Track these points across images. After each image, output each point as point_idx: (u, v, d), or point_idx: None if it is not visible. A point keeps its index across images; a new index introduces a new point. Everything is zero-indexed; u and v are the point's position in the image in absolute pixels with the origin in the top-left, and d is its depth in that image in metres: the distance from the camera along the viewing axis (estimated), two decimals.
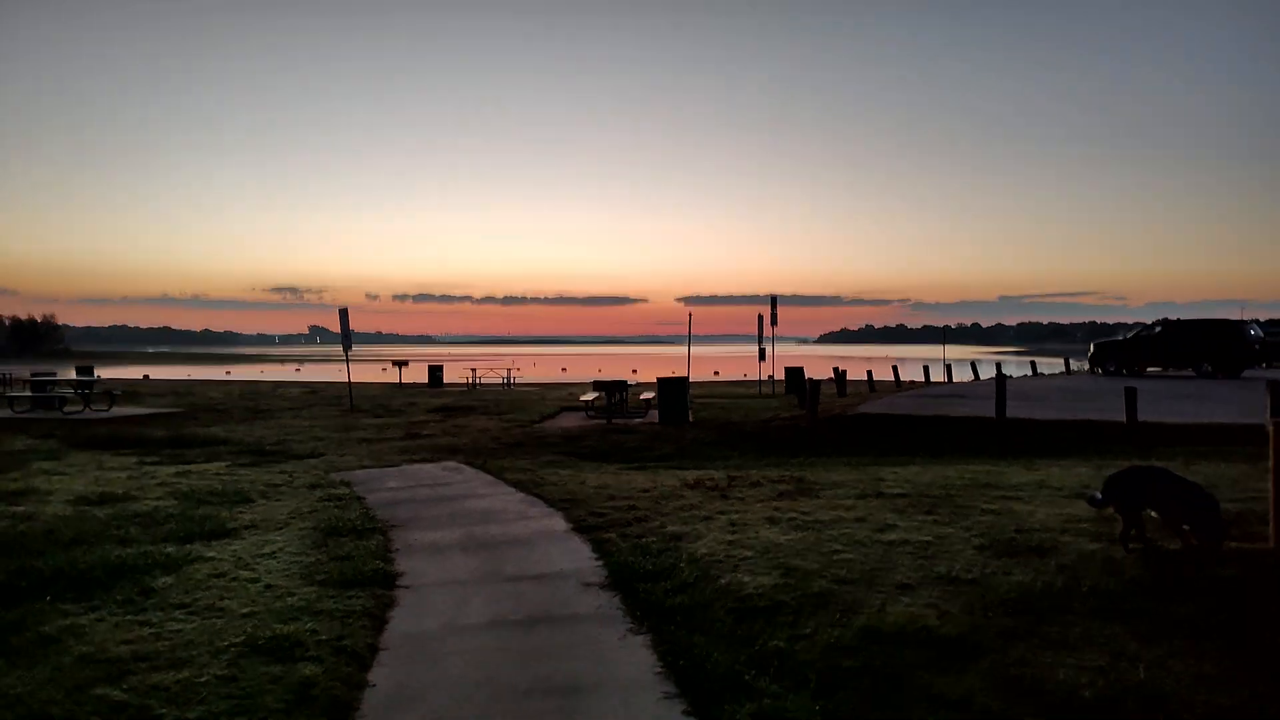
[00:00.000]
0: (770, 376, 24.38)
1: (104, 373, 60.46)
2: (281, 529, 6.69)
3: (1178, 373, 24.37)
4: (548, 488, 8.38)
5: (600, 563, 5.57)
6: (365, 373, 55.88)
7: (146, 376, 53.54)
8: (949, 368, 24.99)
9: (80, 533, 6.30)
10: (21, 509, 7.27)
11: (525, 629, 4.40)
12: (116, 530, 6.45)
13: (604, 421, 14.38)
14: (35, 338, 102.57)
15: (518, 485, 8.62)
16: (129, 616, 4.56)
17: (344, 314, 18.81)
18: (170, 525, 6.66)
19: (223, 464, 10.44)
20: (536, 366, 71.50)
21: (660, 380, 14.45)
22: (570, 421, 15.61)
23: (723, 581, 4.87)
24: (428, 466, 10.19)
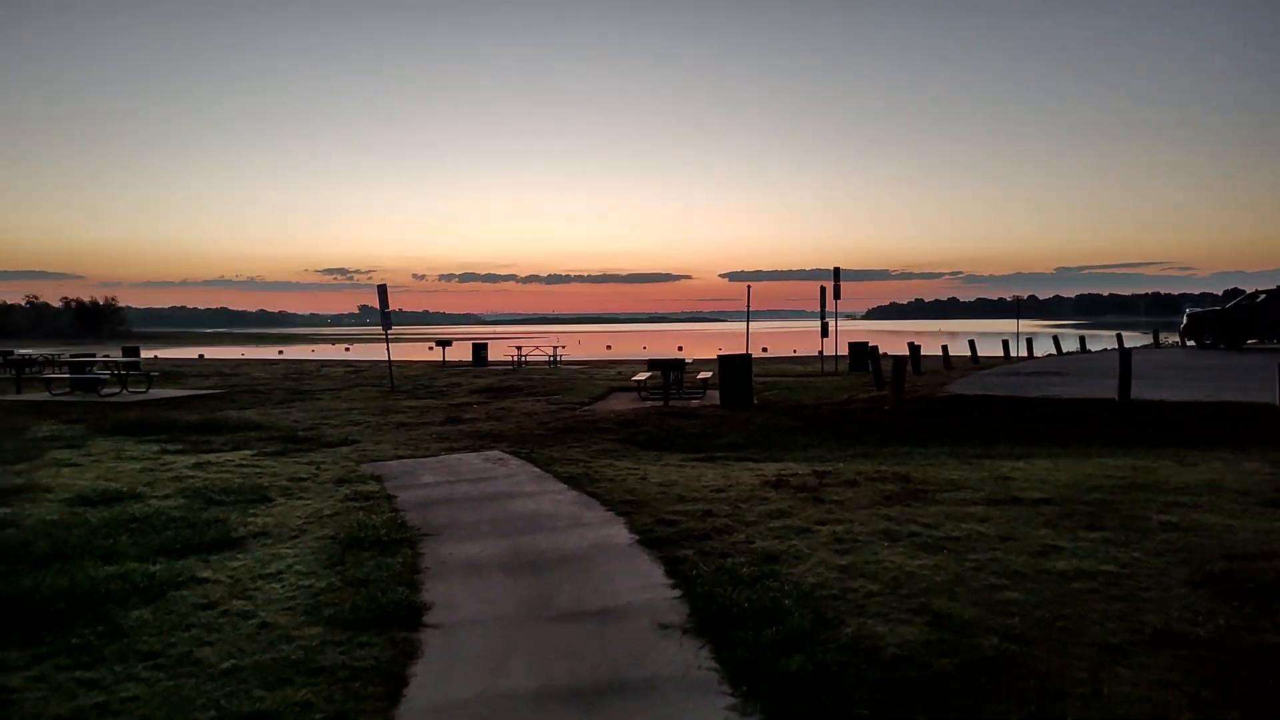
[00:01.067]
0: (821, 353, 22.86)
1: (161, 353, 61.41)
2: (295, 538, 5.66)
3: None
4: (604, 484, 7.23)
5: (678, 593, 4.39)
6: (410, 351, 55.69)
7: (201, 356, 54.18)
8: (1029, 342, 23.14)
9: (61, 544, 5.34)
10: (8, 511, 6.38)
11: (586, 704, 3.24)
12: (105, 540, 5.48)
13: (660, 404, 13.17)
14: (98, 320, 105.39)
15: (569, 481, 7.50)
16: (79, 672, 3.52)
17: (383, 291, 17.89)
18: (169, 533, 5.68)
19: (249, 453, 9.54)
20: (581, 344, 70.60)
21: (721, 358, 13.14)
22: (622, 404, 14.45)
23: (849, 631, 3.64)
24: (469, 457, 9.13)
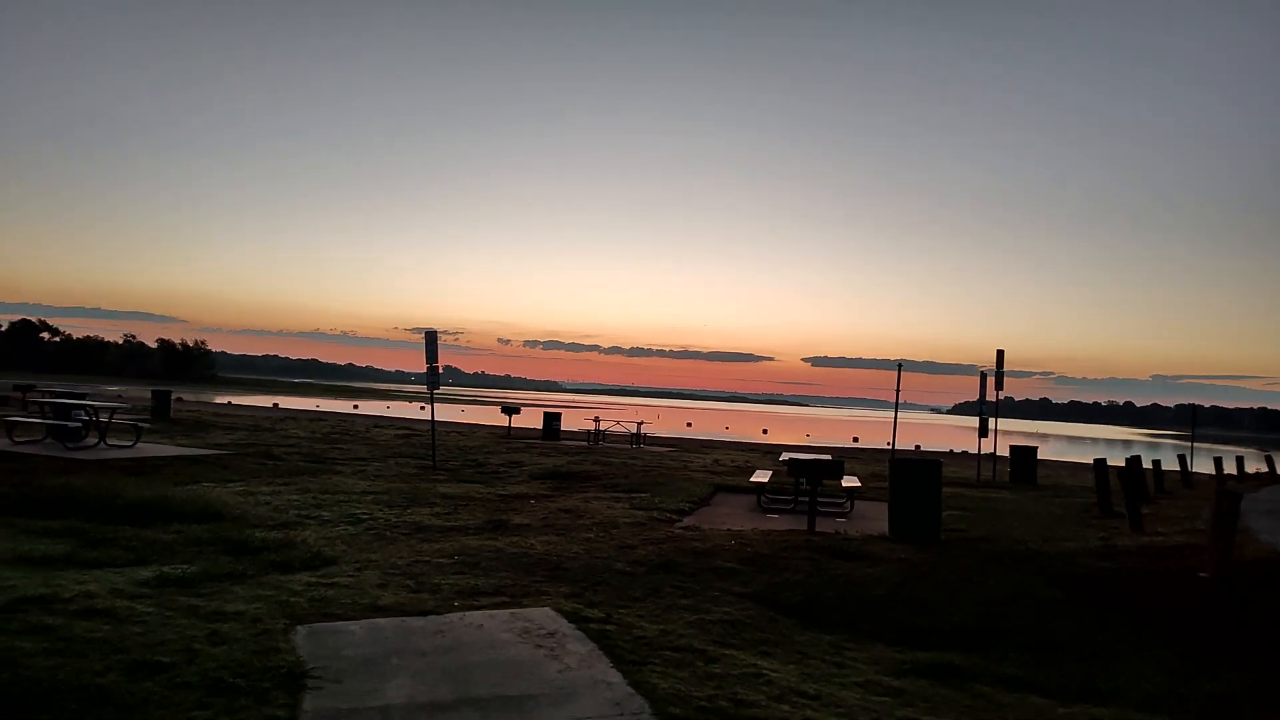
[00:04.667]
0: (980, 454, 18.05)
1: (238, 399, 60.46)
2: None
3: None
4: None
5: None
6: (482, 415, 52.88)
7: (276, 405, 52.79)
8: (1240, 460, 17.95)
9: None
10: None
11: None
12: None
13: (802, 529, 8.83)
14: (187, 362, 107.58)
15: None
16: None
17: (431, 339, 14.31)
18: None
19: (146, 573, 5.80)
20: (660, 419, 66.73)
21: (896, 465, 8.78)
22: (737, 516, 10.26)
23: None
24: (497, 623, 5.11)
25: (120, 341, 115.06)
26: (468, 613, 5.31)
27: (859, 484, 11.17)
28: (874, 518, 10.51)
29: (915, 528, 8.51)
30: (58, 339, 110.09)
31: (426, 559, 6.89)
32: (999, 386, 17.03)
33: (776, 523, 9.68)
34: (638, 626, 5.16)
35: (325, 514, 8.89)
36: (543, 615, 5.33)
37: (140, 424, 13.93)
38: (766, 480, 11.19)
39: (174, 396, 50.86)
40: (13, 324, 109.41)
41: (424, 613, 5.25)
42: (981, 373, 16.99)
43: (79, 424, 12.68)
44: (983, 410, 16.98)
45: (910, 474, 8.67)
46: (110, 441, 13.06)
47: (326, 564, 6.52)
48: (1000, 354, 17.08)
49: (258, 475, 11.89)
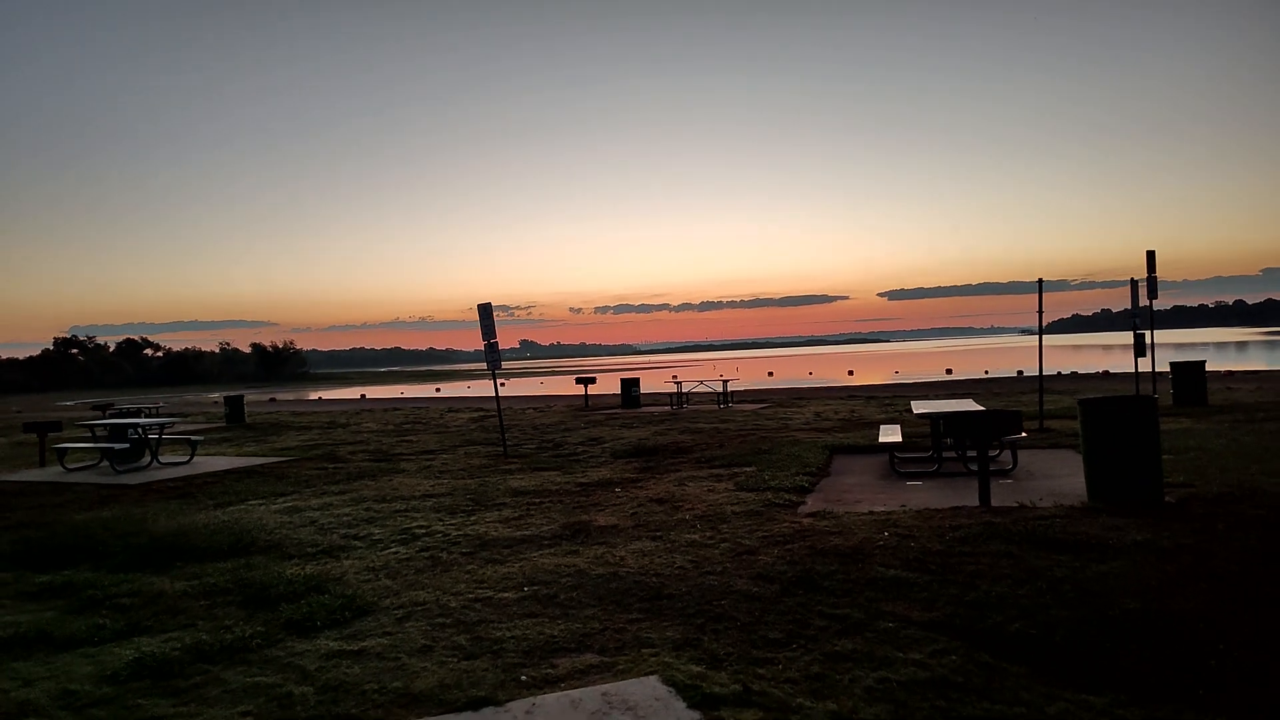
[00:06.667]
0: (1137, 375, 15.41)
1: (328, 394, 61.39)
2: None
3: None
4: None
5: None
6: (560, 386, 52.02)
7: (363, 395, 53.19)
8: None
9: None
10: None
11: None
12: None
13: (975, 505, 6.82)
14: (279, 363, 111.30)
15: None
16: None
17: (485, 312, 12.71)
18: None
19: (125, 655, 4.40)
20: (740, 372, 64.62)
21: (1087, 404, 6.60)
22: (870, 490, 8.35)
23: None
24: (580, 716, 3.43)
25: (216, 350, 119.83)
26: (538, 698, 3.65)
27: (1024, 435, 9.07)
28: (1044, 473, 8.43)
29: (1127, 490, 6.41)
30: (160, 354, 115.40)
31: (488, 592, 5.31)
32: (1152, 294, 14.38)
33: (923, 494, 7.74)
34: (794, 705, 3.41)
35: (375, 531, 7.45)
36: (648, 694, 3.63)
37: (193, 438, 12.99)
38: (899, 439, 9.22)
39: (269, 397, 51.66)
40: (119, 344, 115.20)
41: (476, 701, 3.63)
42: (1132, 280, 14.35)
43: (126, 445, 11.73)
44: (1137, 324, 14.39)
45: (1114, 418, 6.50)
46: (165, 459, 12.13)
47: (360, 614, 5.01)
48: (1151, 255, 14.37)
49: (313, 484, 10.65)
